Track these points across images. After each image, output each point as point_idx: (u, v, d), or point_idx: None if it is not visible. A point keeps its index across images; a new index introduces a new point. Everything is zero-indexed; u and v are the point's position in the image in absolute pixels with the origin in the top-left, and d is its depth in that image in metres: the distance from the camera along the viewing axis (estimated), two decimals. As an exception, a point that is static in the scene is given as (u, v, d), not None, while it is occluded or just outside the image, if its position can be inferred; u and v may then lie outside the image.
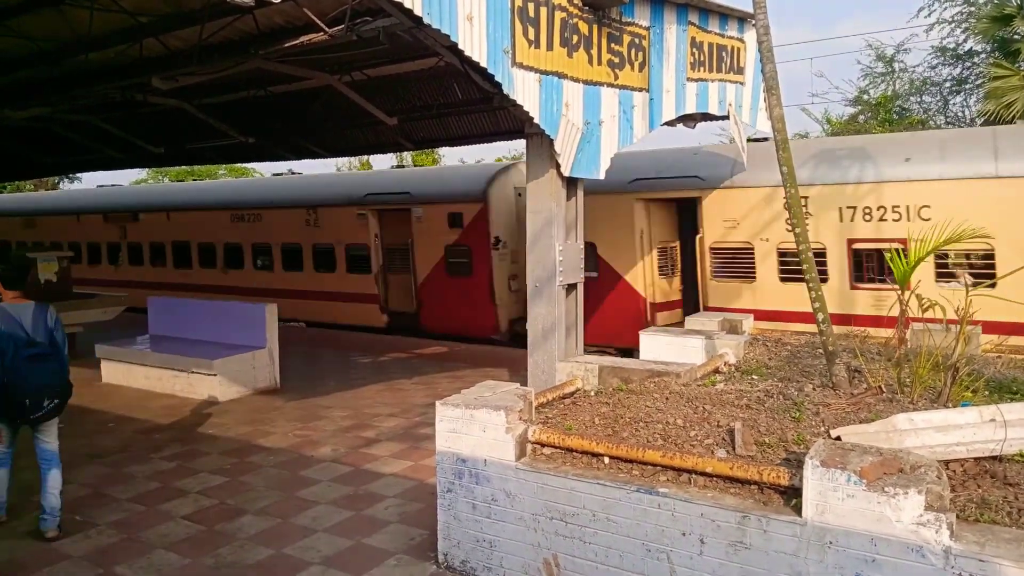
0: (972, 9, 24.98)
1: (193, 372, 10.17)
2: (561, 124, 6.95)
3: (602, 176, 7.72)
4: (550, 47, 6.66)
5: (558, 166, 7.19)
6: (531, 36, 6.39)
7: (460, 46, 5.66)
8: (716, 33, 10.06)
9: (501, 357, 13.22)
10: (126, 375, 11.04)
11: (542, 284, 7.49)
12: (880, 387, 5.17)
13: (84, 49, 8.48)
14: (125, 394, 10.59)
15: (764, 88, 5.78)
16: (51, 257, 12.89)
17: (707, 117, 10.97)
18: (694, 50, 9.48)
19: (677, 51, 9.03)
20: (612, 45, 7.65)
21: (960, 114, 26.29)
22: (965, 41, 24.89)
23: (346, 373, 11.93)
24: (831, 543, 3.79)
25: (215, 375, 9.95)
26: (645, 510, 4.32)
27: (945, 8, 24.12)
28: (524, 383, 11.29)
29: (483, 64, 5.87)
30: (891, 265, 5.48)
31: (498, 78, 6.05)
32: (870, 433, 4.48)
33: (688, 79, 9.38)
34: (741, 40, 10.81)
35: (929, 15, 24.15)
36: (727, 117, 10.76)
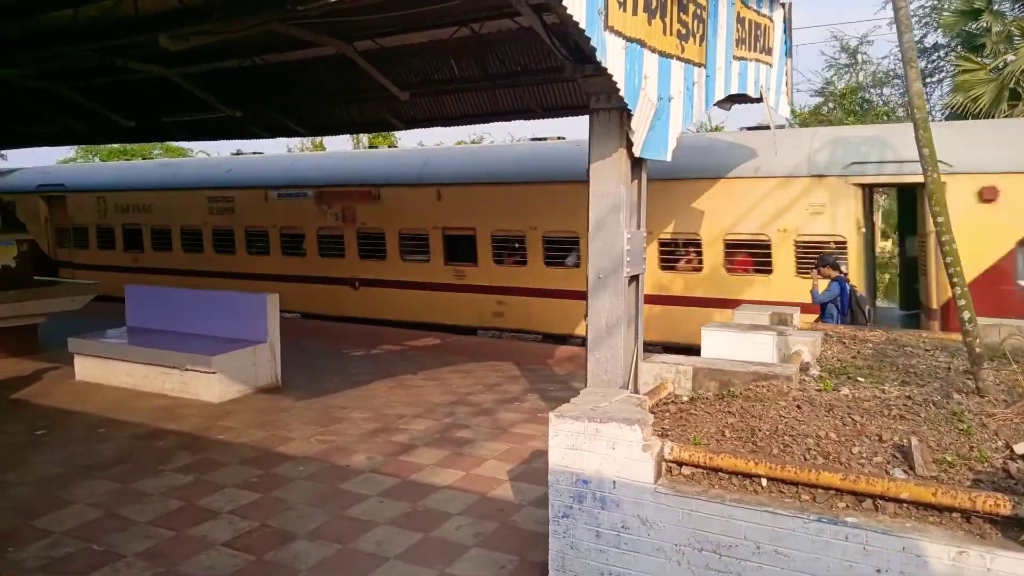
0: (936, 2, 25.24)
1: (188, 369, 9.14)
2: (640, 98, 6.26)
3: (669, 157, 7.06)
4: (635, 11, 5.94)
5: (629, 145, 6.52)
6: (622, -3, 5.66)
7: (564, 1, 4.89)
8: (754, 10, 9.50)
9: (499, 349, 12.56)
10: (105, 372, 9.92)
11: (606, 275, 6.80)
12: (1036, 393, 4.70)
13: (70, 3, 7.39)
14: (106, 393, 9.49)
15: (897, 64, 5.21)
16: (9, 240, 11.56)
17: (734, 99, 10.45)
18: (738, 26, 8.91)
19: (727, 26, 8.43)
20: (680, 15, 6.98)
21: (922, 107, 26.57)
22: (926, 36, 25.23)
23: (345, 368, 11.06)
24: (1073, 583, 3.28)
25: (214, 372, 8.95)
26: (827, 542, 3.72)
27: (911, 1, 24.29)
28: (532, 377, 10.57)
29: (582, 24, 5.11)
30: None
31: (593, 42, 5.30)
32: (1056, 448, 4.00)
33: (733, 57, 8.80)
34: (771, 19, 10.30)
35: (896, 7, 24.25)
36: (759, 100, 10.26)
